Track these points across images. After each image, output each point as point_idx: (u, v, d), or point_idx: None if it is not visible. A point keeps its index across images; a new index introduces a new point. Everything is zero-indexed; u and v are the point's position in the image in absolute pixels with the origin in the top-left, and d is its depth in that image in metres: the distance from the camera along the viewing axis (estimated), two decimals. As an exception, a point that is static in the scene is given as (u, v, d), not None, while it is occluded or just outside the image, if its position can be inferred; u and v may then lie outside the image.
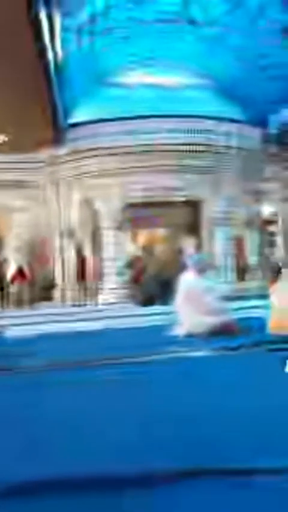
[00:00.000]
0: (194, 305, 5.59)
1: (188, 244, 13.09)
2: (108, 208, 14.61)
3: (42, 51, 14.29)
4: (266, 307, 5.57)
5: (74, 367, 4.08)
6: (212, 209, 14.85)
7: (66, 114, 15.19)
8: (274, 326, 5.17)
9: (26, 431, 2.52)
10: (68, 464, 2.02)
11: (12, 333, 6.79)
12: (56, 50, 14.33)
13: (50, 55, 14.30)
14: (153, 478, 1.85)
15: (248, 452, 2.06)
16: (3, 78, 13.51)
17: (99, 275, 14.53)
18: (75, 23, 14.20)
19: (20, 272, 14.24)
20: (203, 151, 14.23)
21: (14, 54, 13.28)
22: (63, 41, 14.23)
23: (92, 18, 14.23)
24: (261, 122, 15.38)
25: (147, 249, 14.89)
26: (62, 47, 14.28)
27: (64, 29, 14.00)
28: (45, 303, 13.78)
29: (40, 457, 2.14)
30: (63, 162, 14.93)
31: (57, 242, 15.20)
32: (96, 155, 14.29)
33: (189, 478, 1.84)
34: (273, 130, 15.92)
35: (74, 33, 14.37)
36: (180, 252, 12.64)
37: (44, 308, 12.59)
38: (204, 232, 14.93)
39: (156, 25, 14.27)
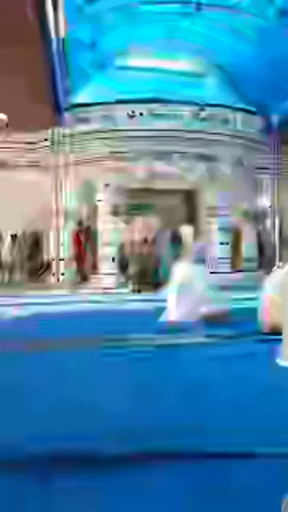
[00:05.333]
0: (188, 293, 5.60)
1: (187, 233, 13.05)
2: (106, 192, 14.54)
3: (45, 31, 14.06)
4: (258, 298, 5.59)
5: (63, 348, 4.11)
6: (210, 198, 14.82)
7: (69, 96, 15.03)
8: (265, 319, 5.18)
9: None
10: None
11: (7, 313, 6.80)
12: (59, 30, 14.11)
13: (53, 35, 14.08)
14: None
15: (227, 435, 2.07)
16: (4, 57, 13.33)
17: (95, 259, 14.53)
18: (80, 2, 13.97)
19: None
20: (204, 139, 14.16)
21: (16, 33, 13.08)
22: (67, 20, 14.00)
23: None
24: (263, 111, 15.28)
25: (143, 235, 14.85)
26: (65, 26, 14.05)
27: (68, 8, 13.76)
28: (39, 285, 13.77)
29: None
30: (63, 144, 14.80)
31: (53, 224, 15.12)
32: (96, 139, 14.19)
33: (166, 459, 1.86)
34: (275, 119, 15.81)
35: (77, 12, 14.13)
36: (177, 239, 12.59)
37: (38, 290, 12.58)
38: (201, 222, 14.90)
39: (164, 7, 14.03)
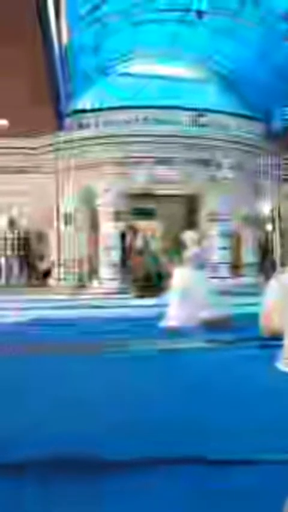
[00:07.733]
0: (188, 298, 5.61)
1: (190, 238, 13.09)
2: (107, 198, 14.58)
3: (47, 37, 14.14)
4: (259, 303, 5.58)
5: (64, 352, 4.11)
6: (211, 203, 14.85)
7: (71, 101, 15.10)
8: (265, 323, 5.18)
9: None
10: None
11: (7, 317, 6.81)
12: (61, 36, 14.19)
13: (55, 40, 14.15)
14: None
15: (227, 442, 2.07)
16: (7, 62, 13.40)
17: (96, 264, 14.56)
18: (81, 8, 14.06)
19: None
20: (204, 144, 14.21)
21: (19, 38, 13.15)
22: (69, 26, 14.09)
23: (100, 4, 14.08)
24: (264, 116, 15.33)
25: (145, 240, 14.88)
26: (68, 32, 14.14)
27: (70, 13, 13.85)
28: (40, 290, 13.79)
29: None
30: (65, 149, 14.87)
31: (55, 229, 15.16)
32: (98, 144, 14.24)
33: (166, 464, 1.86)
34: (276, 125, 15.88)
35: (80, 19, 14.22)
36: (181, 244, 12.62)
37: (38, 295, 12.58)
38: (202, 227, 14.94)
39: (165, 14, 14.12)
